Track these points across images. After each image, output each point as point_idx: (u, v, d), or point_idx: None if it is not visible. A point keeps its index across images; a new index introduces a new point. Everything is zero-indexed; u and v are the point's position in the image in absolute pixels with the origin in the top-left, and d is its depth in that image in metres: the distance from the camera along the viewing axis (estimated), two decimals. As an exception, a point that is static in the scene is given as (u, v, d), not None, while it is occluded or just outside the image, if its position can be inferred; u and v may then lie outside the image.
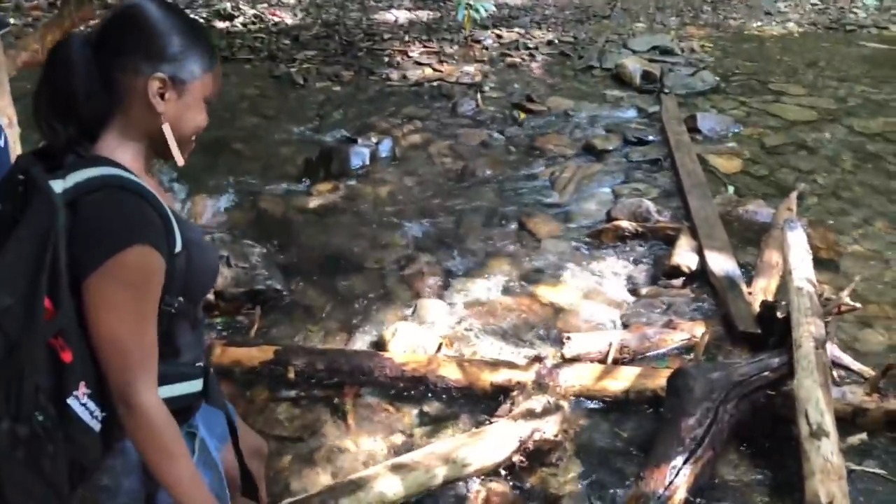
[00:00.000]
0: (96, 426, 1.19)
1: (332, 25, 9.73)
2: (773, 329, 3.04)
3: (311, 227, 4.49)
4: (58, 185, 1.14)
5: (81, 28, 5.26)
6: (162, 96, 1.24)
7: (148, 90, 1.23)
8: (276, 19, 10.05)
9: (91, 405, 1.18)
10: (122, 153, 1.25)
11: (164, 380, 1.26)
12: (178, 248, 1.25)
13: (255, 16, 10.17)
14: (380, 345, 3.30)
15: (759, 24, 10.13)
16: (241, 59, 8.06)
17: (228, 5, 10.56)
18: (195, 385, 1.35)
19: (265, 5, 10.96)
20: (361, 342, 3.38)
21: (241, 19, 9.99)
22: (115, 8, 1.28)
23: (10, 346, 1.09)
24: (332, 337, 3.42)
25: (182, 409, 1.34)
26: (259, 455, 1.83)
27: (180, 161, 1.32)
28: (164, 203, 1.25)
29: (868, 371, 2.97)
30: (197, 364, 1.38)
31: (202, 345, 1.46)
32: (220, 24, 9.70)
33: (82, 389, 1.16)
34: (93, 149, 1.24)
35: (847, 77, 7.45)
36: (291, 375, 3.01)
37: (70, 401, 1.14)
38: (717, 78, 7.32)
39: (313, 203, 4.77)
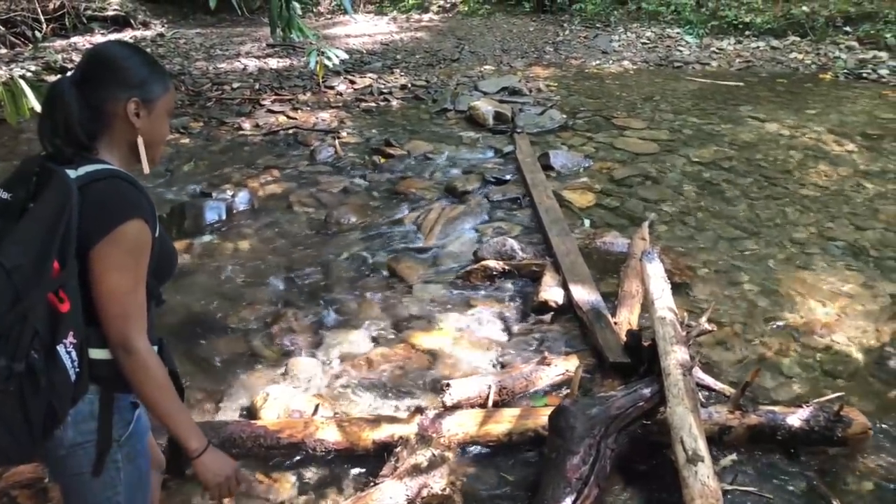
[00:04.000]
0: (73, 376, 1.43)
1: (176, 76, 9.39)
2: (642, 356, 3.14)
3: (165, 289, 4.19)
4: (71, 173, 1.45)
5: None
6: (137, 115, 1.57)
7: (126, 111, 1.56)
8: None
9: (73, 355, 1.43)
10: (112, 161, 1.56)
11: None
12: (157, 233, 1.56)
13: (92, 67, 9.64)
14: (251, 412, 3.11)
15: (598, 62, 10.80)
16: (79, 114, 7.57)
17: (60, 58, 9.96)
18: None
19: (102, 56, 10.45)
20: (230, 411, 3.17)
21: (75, 71, 9.43)
22: (88, 52, 1.61)
23: (16, 298, 1.33)
24: (198, 408, 3.19)
25: None
26: (157, 467, 2.02)
27: (147, 169, 1.63)
28: (149, 197, 1.55)
29: (728, 389, 3.14)
30: (154, 335, 1.62)
31: (154, 323, 1.67)
32: (52, 78, 9.08)
33: (70, 339, 1.41)
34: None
35: (680, 110, 8.06)
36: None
37: (59, 347, 1.39)
38: (565, 116, 7.69)
39: (168, 264, 4.48)
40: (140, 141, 1.59)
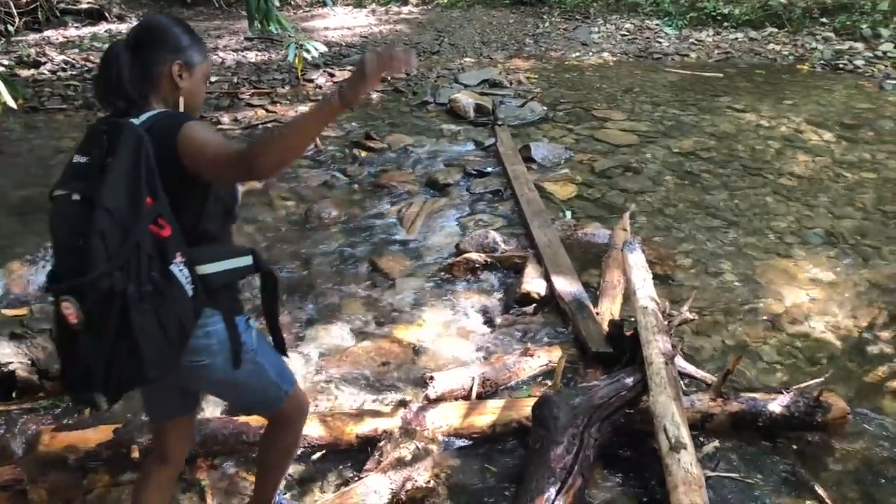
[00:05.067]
0: (190, 291, 1.67)
1: (154, 69, 9.26)
2: (624, 346, 3.16)
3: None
4: (135, 122, 1.68)
5: None
6: (181, 76, 1.80)
7: (172, 72, 1.79)
8: (90, 65, 9.42)
9: (185, 272, 1.66)
10: None
11: (219, 256, 1.79)
12: None
13: (65, 62, 9.50)
14: (233, 410, 3.08)
15: (578, 54, 10.81)
16: (53, 109, 7.46)
17: (33, 52, 9.81)
18: (247, 260, 1.84)
19: (76, 51, 10.29)
20: (213, 409, 3.14)
21: (48, 66, 9.29)
22: (140, 22, 1.86)
23: (124, 234, 1.55)
24: (180, 405, 3.16)
25: (236, 286, 1.90)
26: (175, 466, 2.21)
27: None
28: None
29: (710, 377, 3.15)
30: (244, 248, 1.88)
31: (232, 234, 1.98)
32: (25, 73, 8.95)
33: (178, 258, 1.65)
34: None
35: (659, 101, 8.09)
36: (136, 455, 2.72)
37: (172, 267, 1.62)
38: (545, 108, 7.69)
39: (147, 260, 4.43)
40: (181, 100, 1.82)
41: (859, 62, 9.97)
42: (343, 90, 1.57)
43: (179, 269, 1.64)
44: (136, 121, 1.68)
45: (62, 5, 13.31)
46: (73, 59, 9.67)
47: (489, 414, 2.93)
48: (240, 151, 1.61)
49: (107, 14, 13.68)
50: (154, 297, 1.57)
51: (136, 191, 1.58)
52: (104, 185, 1.56)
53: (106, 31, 12.42)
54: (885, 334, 3.71)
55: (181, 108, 1.81)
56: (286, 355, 2.10)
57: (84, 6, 13.60)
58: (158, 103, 1.79)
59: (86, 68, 9.24)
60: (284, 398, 2.05)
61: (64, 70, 9.11)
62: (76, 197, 1.60)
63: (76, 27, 12.76)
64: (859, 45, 10.83)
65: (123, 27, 12.97)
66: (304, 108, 7.75)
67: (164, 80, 1.79)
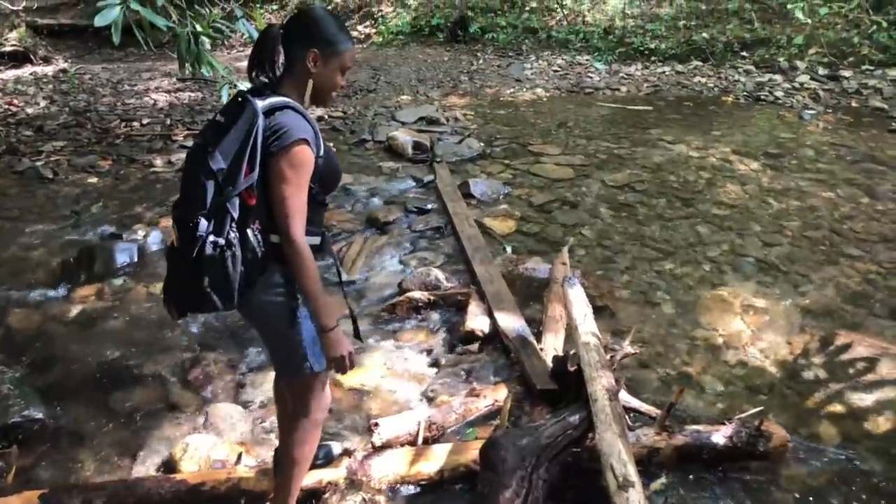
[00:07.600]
0: (259, 253, 2.01)
1: (82, 113, 9.02)
2: (568, 381, 3.15)
3: (74, 338, 3.98)
4: (259, 102, 1.97)
5: None
6: (314, 63, 2.07)
7: (307, 59, 2.06)
8: (14, 109, 9.11)
9: (259, 238, 2.01)
10: (292, 96, 2.07)
11: None
12: (321, 153, 2.08)
13: (-12, 106, 9.16)
14: (170, 465, 2.95)
15: (512, 90, 10.99)
16: (-26, 156, 7.16)
17: (-47, 96, 9.44)
18: (315, 240, 2.12)
19: None
20: (147, 466, 3.00)
21: (-31, 111, 8.95)
22: (295, 10, 2.01)
23: (219, 192, 1.93)
24: (112, 466, 3.01)
25: None
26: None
27: (307, 104, 2.12)
28: (315, 124, 2.06)
29: (654, 410, 3.18)
30: (319, 229, 2.18)
31: (323, 221, 2.24)
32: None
33: (256, 225, 2.00)
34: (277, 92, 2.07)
35: (592, 135, 8.26)
36: (64, 522, 2.57)
37: (248, 230, 1.98)
38: (482, 144, 7.76)
39: (75, 310, 4.26)
40: (310, 84, 2.09)
41: (779, 93, 10.42)
42: (332, 333, 2.06)
43: (254, 234, 1.98)
44: (260, 102, 1.97)
45: (-16, 47, 12.89)
46: (-5, 102, 9.36)
47: (436, 460, 2.88)
48: (287, 233, 1.97)
49: (32, 56, 13.30)
50: (227, 249, 1.94)
51: (239, 160, 1.93)
52: (217, 147, 1.93)
53: (31, 74, 12.06)
54: (818, 360, 3.82)
55: (308, 91, 2.09)
56: (360, 340, 2.47)
57: (8, 49, 13.18)
58: (291, 87, 2.09)
59: (9, 112, 8.93)
60: (310, 373, 2.24)
61: (-14, 114, 8.80)
62: (204, 147, 1.96)
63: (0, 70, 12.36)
64: (778, 77, 11.32)
65: (49, 69, 12.63)
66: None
67: (300, 64, 2.07)
